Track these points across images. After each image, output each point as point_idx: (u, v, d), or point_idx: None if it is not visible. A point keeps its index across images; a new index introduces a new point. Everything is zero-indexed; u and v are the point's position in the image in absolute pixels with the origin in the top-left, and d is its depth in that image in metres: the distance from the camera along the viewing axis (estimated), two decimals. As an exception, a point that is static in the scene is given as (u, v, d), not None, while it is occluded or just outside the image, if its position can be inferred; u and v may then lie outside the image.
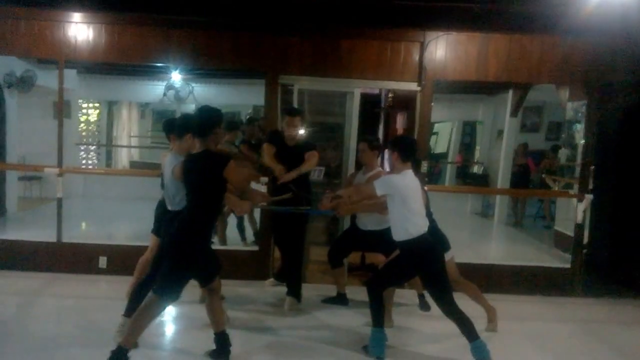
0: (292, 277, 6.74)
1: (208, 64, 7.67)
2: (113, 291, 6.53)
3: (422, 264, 5.19)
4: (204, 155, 4.64)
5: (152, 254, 5.70)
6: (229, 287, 6.76)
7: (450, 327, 5.23)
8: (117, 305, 5.50)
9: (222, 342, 5.01)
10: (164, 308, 4.75)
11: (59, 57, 7.33)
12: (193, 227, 4.62)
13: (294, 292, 6.65)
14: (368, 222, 6.34)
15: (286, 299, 6.61)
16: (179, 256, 4.57)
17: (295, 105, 7.43)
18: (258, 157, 7.56)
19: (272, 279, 7.32)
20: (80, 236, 8.19)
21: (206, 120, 4.67)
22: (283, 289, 6.81)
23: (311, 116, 6.98)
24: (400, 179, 5.18)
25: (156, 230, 5.79)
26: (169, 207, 5.35)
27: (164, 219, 5.41)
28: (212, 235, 5.19)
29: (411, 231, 5.13)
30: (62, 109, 7.51)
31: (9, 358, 4.94)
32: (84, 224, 10.29)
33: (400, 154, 5.27)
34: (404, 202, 5.12)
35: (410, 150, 5.36)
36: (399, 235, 5.22)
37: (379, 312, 5.34)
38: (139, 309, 4.66)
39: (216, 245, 7.49)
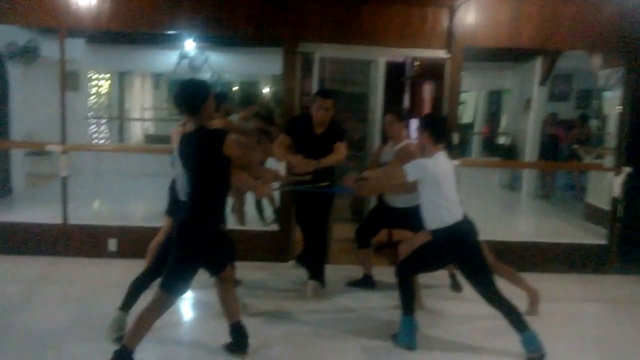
0: (316, 260, 6.28)
1: (221, 31, 7.15)
2: (124, 276, 6.06)
3: (458, 253, 4.77)
4: (197, 132, 4.18)
5: (166, 236, 5.37)
6: (247, 271, 6.43)
7: (486, 309, 4.81)
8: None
9: (238, 333, 4.62)
10: (172, 304, 4.27)
11: (61, 25, 6.86)
12: (196, 212, 4.17)
13: (318, 276, 6.21)
14: (397, 199, 5.94)
15: (308, 283, 6.16)
16: (184, 245, 4.13)
17: (316, 74, 7.04)
18: (270, 130, 7.19)
19: (292, 261, 6.94)
20: (91, 216, 7.84)
21: (191, 96, 4.20)
22: (304, 273, 6.39)
23: (333, 86, 6.60)
24: (433, 163, 4.70)
25: (170, 211, 5.47)
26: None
27: (178, 200, 5.03)
28: (225, 217, 4.72)
29: (446, 219, 4.70)
30: (65, 81, 7.11)
31: (6, 352, 4.59)
32: (94, 203, 9.96)
33: (432, 135, 4.77)
34: (438, 189, 4.68)
35: (443, 130, 4.88)
36: (432, 223, 4.79)
37: (409, 300, 4.92)
38: (145, 307, 4.22)
39: (233, 226, 7.13)
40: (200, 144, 4.14)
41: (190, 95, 4.18)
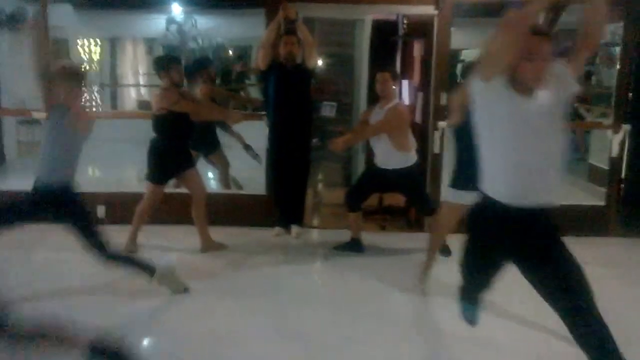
0: (298, 207, 6.75)
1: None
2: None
3: None
4: None
5: (149, 202, 5.79)
6: (233, 236, 6.34)
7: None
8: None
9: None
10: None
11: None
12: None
13: (299, 221, 6.72)
14: (389, 161, 5.84)
15: (292, 229, 6.63)
16: None
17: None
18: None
19: (278, 228, 6.74)
20: (82, 184, 7.69)
21: None
22: (288, 240, 6.55)
23: (320, 49, 6.41)
24: None
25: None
26: None
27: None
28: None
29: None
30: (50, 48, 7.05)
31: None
32: (88, 170, 9.89)
33: None
34: None
35: None
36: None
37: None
38: None
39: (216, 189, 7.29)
40: None
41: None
